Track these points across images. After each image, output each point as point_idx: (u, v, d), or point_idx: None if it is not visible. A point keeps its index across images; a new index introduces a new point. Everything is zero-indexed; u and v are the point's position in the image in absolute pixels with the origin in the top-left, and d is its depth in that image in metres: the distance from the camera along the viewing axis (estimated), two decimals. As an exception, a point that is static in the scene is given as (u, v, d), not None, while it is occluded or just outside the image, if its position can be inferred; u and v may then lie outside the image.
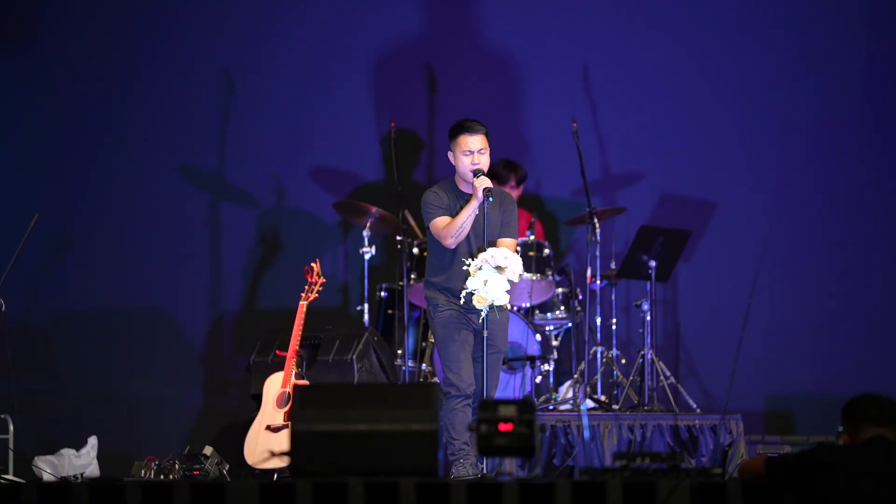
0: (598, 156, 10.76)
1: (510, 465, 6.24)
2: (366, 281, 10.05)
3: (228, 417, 9.81)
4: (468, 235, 7.92)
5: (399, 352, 9.90)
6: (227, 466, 8.88)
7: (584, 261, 10.25)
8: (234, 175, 10.86)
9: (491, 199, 7.84)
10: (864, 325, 10.64)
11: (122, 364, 10.72)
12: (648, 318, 9.75)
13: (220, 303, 10.79)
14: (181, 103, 10.85)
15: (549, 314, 10.08)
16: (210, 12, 10.91)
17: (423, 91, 10.91)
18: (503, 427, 5.85)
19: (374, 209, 9.86)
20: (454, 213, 7.94)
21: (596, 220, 9.74)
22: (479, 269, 7.66)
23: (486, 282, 7.64)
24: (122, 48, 10.88)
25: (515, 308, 9.66)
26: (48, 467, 8.76)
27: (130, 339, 10.75)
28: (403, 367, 9.88)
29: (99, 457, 8.95)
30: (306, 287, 8.78)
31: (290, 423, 6.80)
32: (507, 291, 7.69)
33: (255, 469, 8.54)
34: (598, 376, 9.74)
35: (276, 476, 8.44)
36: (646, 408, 9.48)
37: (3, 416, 9.06)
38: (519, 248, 8.71)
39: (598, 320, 9.91)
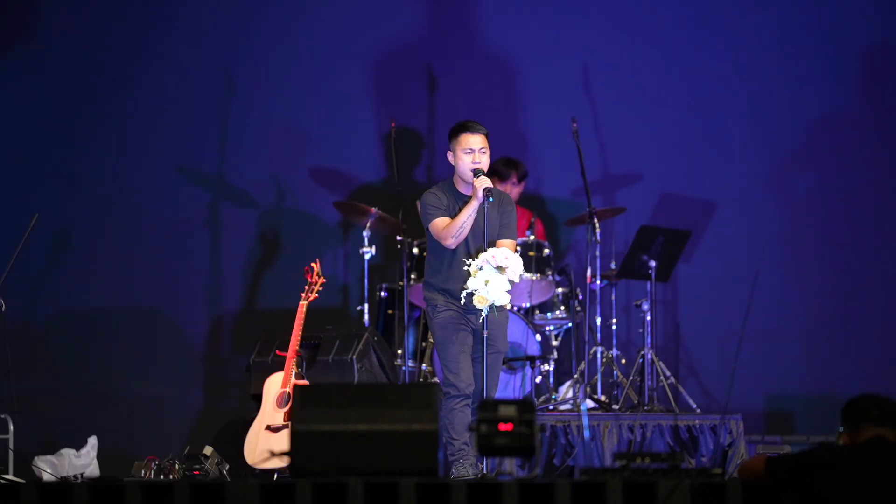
0: (598, 156, 10.76)
1: (510, 465, 6.24)
2: (366, 281, 10.05)
3: (228, 417, 9.80)
4: (467, 236, 7.92)
5: (399, 352, 9.90)
6: (227, 466, 8.88)
7: (584, 261, 10.25)
8: (234, 175, 10.85)
9: (491, 199, 7.84)
10: (864, 325, 10.64)
11: (122, 364, 10.71)
12: (648, 318, 9.74)
13: (220, 303, 10.79)
14: (181, 103, 10.85)
15: (549, 314, 10.08)
16: (210, 12, 10.91)
17: (423, 91, 10.91)
18: (503, 427, 5.85)
19: (374, 209, 9.86)
20: (453, 214, 7.94)
21: (596, 220, 9.74)
22: (480, 269, 7.66)
23: (487, 282, 7.64)
24: (122, 48, 10.87)
25: (515, 308, 9.66)
26: (48, 467, 8.76)
27: (130, 339, 10.75)
28: (403, 367, 9.88)
29: (99, 457, 8.95)
30: (306, 287, 8.78)
31: (290, 423, 6.79)
32: (508, 292, 7.69)
33: (255, 469, 8.54)
34: (598, 376, 9.74)
35: (276, 476, 8.44)
36: (646, 408, 9.48)
37: (3, 416, 9.06)
38: (518, 249, 8.71)
39: (598, 320, 9.91)
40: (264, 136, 10.89)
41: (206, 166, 10.87)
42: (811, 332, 10.65)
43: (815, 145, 10.77)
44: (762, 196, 10.74)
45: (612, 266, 10.00)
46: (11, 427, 9.01)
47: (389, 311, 10.08)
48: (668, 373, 9.73)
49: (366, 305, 10.05)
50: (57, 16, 10.86)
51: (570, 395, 9.72)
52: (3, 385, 9.29)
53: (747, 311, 9.59)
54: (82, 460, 8.87)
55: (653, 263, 9.76)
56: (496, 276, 7.64)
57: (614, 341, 9.99)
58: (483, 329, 7.78)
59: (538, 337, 9.68)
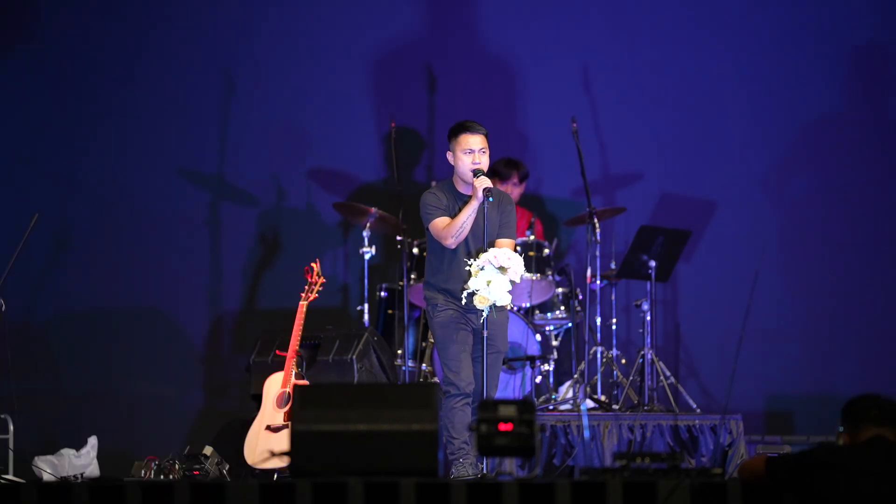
0: (598, 156, 10.76)
1: (510, 465, 6.24)
2: (366, 281, 10.05)
3: (228, 417, 9.80)
4: (467, 236, 7.92)
5: (399, 352, 9.90)
6: (227, 466, 8.88)
7: (584, 261, 10.25)
8: (234, 175, 10.86)
9: (491, 199, 7.85)
10: (864, 325, 10.64)
11: (122, 364, 10.71)
12: (648, 318, 9.74)
13: (220, 303, 10.79)
14: (181, 103, 10.85)
15: (549, 314, 10.08)
16: (210, 12, 10.91)
17: (423, 91, 10.91)
18: (503, 427, 5.85)
19: (373, 209, 9.86)
20: (453, 215, 7.94)
21: (596, 220, 9.74)
22: (482, 269, 7.66)
23: (488, 282, 7.64)
24: (122, 48, 10.87)
25: (515, 308, 9.65)
26: (48, 467, 8.76)
27: (130, 339, 10.75)
28: (403, 367, 9.88)
29: (99, 457, 8.95)
30: (306, 287, 8.78)
31: (290, 423, 6.79)
32: (508, 292, 7.69)
33: (255, 469, 8.54)
34: (598, 376, 9.74)
35: (276, 476, 8.44)
36: (646, 408, 9.48)
37: (3, 416, 9.06)
38: (518, 249, 8.71)
39: (598, 320, 9.91)
40: (264, 136, 10.89)
41: (206, 166, 10.87)
42: (811, 332, 10.65)
43: (815, 145, 10.77)
44: (762, 196, 10.74)
45: (612, 266, 10.00)
46: (11, 427, 9.00)
47: (389, 311, 10.08)
48: (668, 373, 9.73)
49: (366, 305, 10.05)
50: (57, 16, 10.86)
51: (570, 395, 9.72)
52: (3, 385, 9.29)
53: (747, 311, 9.58)
54: (82, 460, 8.87)
55: (653, 263, 9.76)
56: (498, 277, 7.64)
57: (614, 341, 9.99)
58: (483, 329, 7.78)
59: (538, 337, 9.68)
